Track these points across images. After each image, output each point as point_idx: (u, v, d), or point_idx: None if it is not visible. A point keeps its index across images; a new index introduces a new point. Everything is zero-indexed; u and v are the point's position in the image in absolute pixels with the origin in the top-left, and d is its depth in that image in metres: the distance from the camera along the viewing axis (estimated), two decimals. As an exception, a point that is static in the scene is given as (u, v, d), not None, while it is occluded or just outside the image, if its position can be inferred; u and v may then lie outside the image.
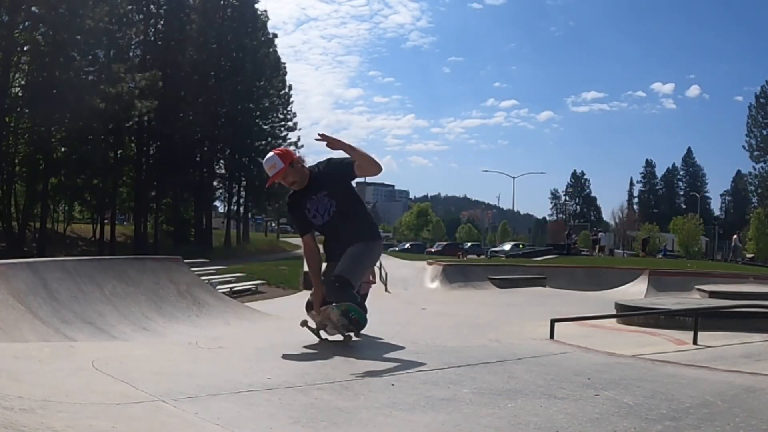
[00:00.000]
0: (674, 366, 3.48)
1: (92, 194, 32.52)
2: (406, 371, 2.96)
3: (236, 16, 42.68)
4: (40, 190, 28.40)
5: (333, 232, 3.86)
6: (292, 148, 48.09)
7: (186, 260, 9.81)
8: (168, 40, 36.25)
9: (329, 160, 3.82)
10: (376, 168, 3.72)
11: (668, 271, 16.65)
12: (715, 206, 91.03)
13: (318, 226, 3.85)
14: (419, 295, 13.51)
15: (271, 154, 3.79)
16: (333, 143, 3.62)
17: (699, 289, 11.77)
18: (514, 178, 59.99)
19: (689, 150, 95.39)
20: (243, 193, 47.95)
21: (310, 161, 4.00)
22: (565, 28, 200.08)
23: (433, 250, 50.69)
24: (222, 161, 45.08)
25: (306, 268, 16.38)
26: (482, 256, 40.80)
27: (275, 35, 47.79)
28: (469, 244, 59.99)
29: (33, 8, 25.29)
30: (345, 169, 3.72)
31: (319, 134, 3.62)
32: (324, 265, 3.96)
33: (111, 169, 32.78)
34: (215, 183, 46.05)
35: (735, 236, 37.94)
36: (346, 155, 3.69)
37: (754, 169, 64.38)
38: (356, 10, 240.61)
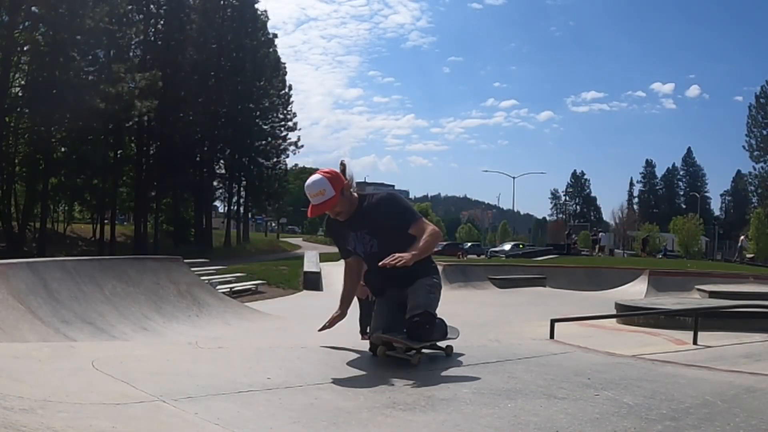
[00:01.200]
0: (674, 366, 3.48)
1: (92, 194, 32.54)
2: (406, 371, 2.96)
3: (236, 16, 42.71)
4: (40, 190, 28.40)
5: (378, 270, 3.20)
6: (292, 147, 48.26)
7: (186, 260, 9.81)
8: (168, 40, 36.29)
9: (380, 201, 3.26)
10: (438, 241, 3.32)
11: (668, 271, 16.66)
12: (715, 206, 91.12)
13: (363, 257, 3.38)
14: (419, 295, 13.46)
15: (318, 176, 3.13)
16: (406, 263, 3.01)
17: (699, 289, 11.78)
18: (514, 178, 60.07)
19: (689, 150, 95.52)
20: (243, 193, 48.02)
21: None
22: (565, 28, 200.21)
23: (433, 250, 50.55)
24: (222, 161, 45.14)
25: (306, 268, 16.43)
26: (482, 256, 40.79)
27: (275, 35, 47.92)
28: (469, 244, 59.96)
29: (33, 8, 25.30)
30: (395, 221, 3.20)
31: (384, 265, 3.00)
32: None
33: (111, 169, 32.81)
34: (215, 183, 46.10)
35: (742, 237, 37.76)
36: (398, 199, 3.30)
37: (754, 169, 64.50)
38: (356, 10, 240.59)
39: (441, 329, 3.27)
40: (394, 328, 3.15)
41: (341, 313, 3.41)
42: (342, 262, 3.59)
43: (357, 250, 3.35)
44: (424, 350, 3.22)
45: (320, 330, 3.37)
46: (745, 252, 39.07)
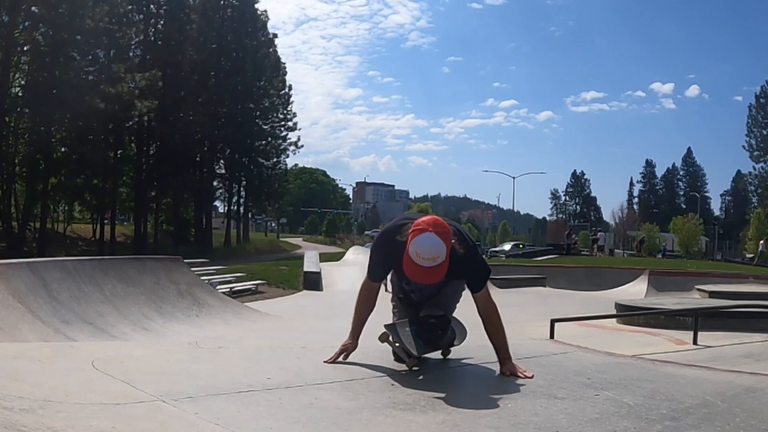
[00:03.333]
0: (674, 366, 3.48)
1: (92, 194, 32.53)
2: (406, 371, 2.96)
3: (236, 16, 42.73)
4: (40, 190, 28.40)
5: (417, 305, 3.19)
6: (291, 147, 48.20)
7: (186, 260, 9.83)
8: (168, 40, 36.26)
9: (467, 255, 2.92)
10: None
11: (668, 271, 16.66)
12: (715, 206, 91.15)
13: (413, 299, 3.20)
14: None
15: (438, 241, 2.69)
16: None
17: (699, 289, 11.79)
18: (514, 178, 60.35)
19: (689, 150, 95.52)
20: (243, 193, 48.05)
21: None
22: (565, 28, 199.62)
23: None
24: (222, 161, 45.16)
25: (306, 268, 16.43)
26: (483, 256, 40.75)
27: (275, 35, 48.01)
28: (469, 244, 59.83)
29: (33, 8, 25.31)
30: (469, 281, 3.03)
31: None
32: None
33: (111, 169, 32.80)
34: (215, 183, 46.12)
35: (762, 242, 37.49)
36: (481, 261, 3.14)
37: (754, 169, 64.64)
38: (356, 10, 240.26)
39: (449, 338, 3.21)
40: (411, 323, 3.10)
41: (353, 344, 3.11)
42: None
43: (423, 293, 3.11)
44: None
45: (329, 361, 3.06)
46: (745, 252, 38.97)
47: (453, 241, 2.79)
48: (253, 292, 14.24)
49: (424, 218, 2.83)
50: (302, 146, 47.91)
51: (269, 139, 47.43)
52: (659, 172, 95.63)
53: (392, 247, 2.88)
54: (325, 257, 20.73)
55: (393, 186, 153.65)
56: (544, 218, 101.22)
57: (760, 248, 35.53)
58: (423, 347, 3.07)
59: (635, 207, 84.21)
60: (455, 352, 3.38)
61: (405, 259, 2.75)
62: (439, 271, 2.73)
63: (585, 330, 6.78)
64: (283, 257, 32.20)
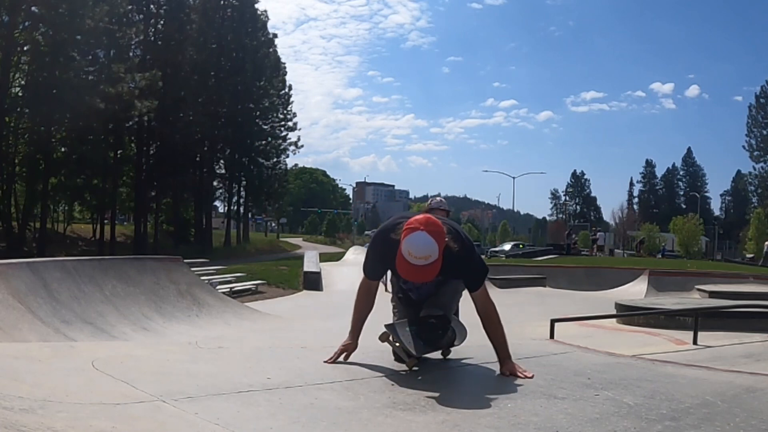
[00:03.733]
0: (674, 366, 3.48)
1: (92, 194, 32.55)
2: (406, 371, 2.96)
3: (236, 16, 42.74)
4: (40, 190, 28.41)
5: (417, 303, 3.20)
6: (292, 148, 48.25)
7: (186, 260, 9.83)
8: (168, 40, 36.25)
9: (464, 252, 2.91)
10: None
11: (668, 271, 16.66)
12: (715, 206, 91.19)
13: (412, 299, 3.22)
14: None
15: (429, 239, 2.68)
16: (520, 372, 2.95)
17: (699, 289, 11.79)
18: (514, 178, 60.34)
19: (689, 150, 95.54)
20: (243, 193, 48.06)
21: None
22: (565, 28, 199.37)
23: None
24: (222, 161, 45.17)
25: (306, 268, 16.42)
26: (482, 256, 40.72)
27: (275, 35, 48.01)
28: (469, 244, 59.82)
29: (33, 8, 25.32)
30: (467, 279, 3.03)
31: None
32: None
33: (111, 169, 32.81)
34: (215, 183, 46.13)
35: (767, 242, 37.35)
36: (478, 259, 3.15)
37: (754, 169, 64.73)
38: (356, 10, 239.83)
39: (450, 338, 3.21)
40: (411, 322, 3.10)
41: (353, 343, 3.10)
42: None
43: (421, 292, 3.13)
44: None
45: (329, 361, 3.05)
46: (745, 252, 38.84)
47: (447, 239, 2.78)
48: (253, 292, 14.23)
49: (417, 217, 2.84)
50: (302, 146, 48.13)
51: (269, 139, 47.45)
52: (659, 172, 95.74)
53: (388, 245, 2.88)
54: (325, 257, 20.74)
55: (393, 186, 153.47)
56: (544, 218, 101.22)
57: (765, 249, 35.36)
58: (423, 347, 3.07)
59: (635, 207, 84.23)
60: (455, 352, 3.37)
61: (398, 258, 2.75)
62: (431, 270, 2.72)
63: (585, 330, 6.78)
64: (283, 257, 32.19)
